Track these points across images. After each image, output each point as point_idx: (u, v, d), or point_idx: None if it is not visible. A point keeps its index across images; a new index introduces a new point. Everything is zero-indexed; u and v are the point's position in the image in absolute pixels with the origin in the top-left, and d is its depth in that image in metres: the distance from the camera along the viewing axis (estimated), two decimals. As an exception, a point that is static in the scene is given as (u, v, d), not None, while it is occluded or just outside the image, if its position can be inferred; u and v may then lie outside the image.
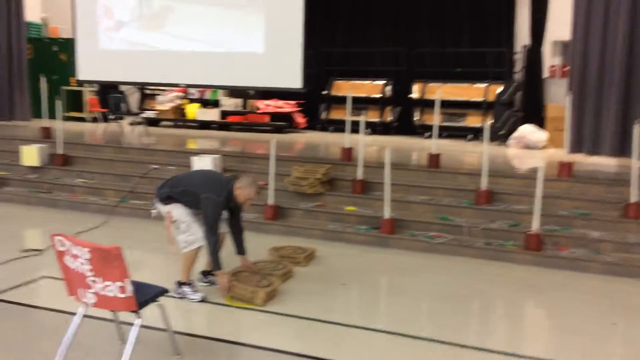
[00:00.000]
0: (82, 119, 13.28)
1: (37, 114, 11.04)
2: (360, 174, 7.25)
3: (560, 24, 9.63)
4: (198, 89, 12.99)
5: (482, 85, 11.78)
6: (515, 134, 10.39)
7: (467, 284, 5.43)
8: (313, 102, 13.08)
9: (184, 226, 4.73)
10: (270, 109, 12.31)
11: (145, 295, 3.55)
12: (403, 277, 5.58)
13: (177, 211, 4.73)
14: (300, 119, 12.60)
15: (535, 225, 6.03)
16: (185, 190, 4.73)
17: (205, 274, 5.12)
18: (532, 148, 10.16)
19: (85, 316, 3.64)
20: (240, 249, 5.02)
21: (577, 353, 4.09)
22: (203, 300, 4.77)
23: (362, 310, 4.85)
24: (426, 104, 11.81)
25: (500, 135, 10.85)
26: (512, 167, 8.37)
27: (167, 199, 4.77)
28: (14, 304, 4.60)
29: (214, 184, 4.71)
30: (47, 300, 4.75)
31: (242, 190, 4.69)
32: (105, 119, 11.67)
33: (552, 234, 6.20)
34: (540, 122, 10.69)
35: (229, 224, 4.94)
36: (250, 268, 5.09)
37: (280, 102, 12.44)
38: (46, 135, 9.48)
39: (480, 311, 4.93)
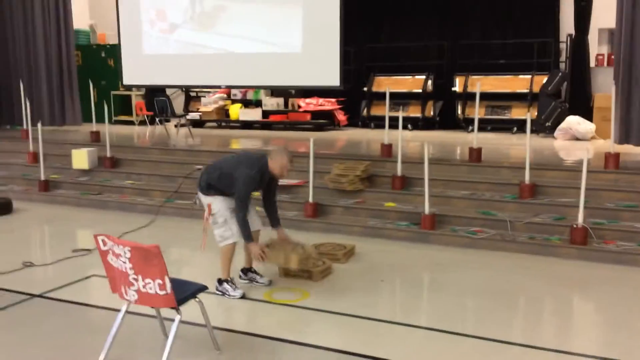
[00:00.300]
0: (130, 122, 13.67)
1: (88, 119, 11.42)
2: (399, 170, 7.24)
3: (606, 10, 9.37)
4: (240, 90, 13.17)
5: (527, 77, 11.56)
6: (562, 126, 10.16)
7: (510, 279, 5.36)
8: (354, 99, 13.10)
9: (222, 220, 4.82)
10: (312, 107, 12.38)
11: (185, 292, 3.65)
12: (444, 273, 5.54)
13: (217, 205, 4.83)
14: (341, 117, 12.63)
15: (581, 218, 5.89)
16: (221, 173, 4.81)
17: (245, 271, 5.22)
18: (580, 139, 9.91)
19: (130, 313, 3.78)
20: (275, 222, 5.07)
21: (624, 349, 3.98)
22: (243, 297, 4.86)
23: (401, 306, 4.86)
24: (469, 97, 11.66)
25: (547, 127, 10.63)
26: (558, 159, 8.19)
27: (207, 188, 4.87)
28: (65, 301, 4.80)
29: (247, 161, 4.81)
30: (95, 297, 4.95)
31: (275, 161, 4.76)
32: (152, 122, 11.98)
33: (598, 227, 6.03)
34: (587, 113, 10.41)
35: (263, 199, 5.03)
36: (286, 239, 5.09)
37: (321, 100, 12.49)
38: (96, 139, 9.81)
39: (523, 307, 4.85)
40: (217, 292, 4.89)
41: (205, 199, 4.91)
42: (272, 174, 4.81)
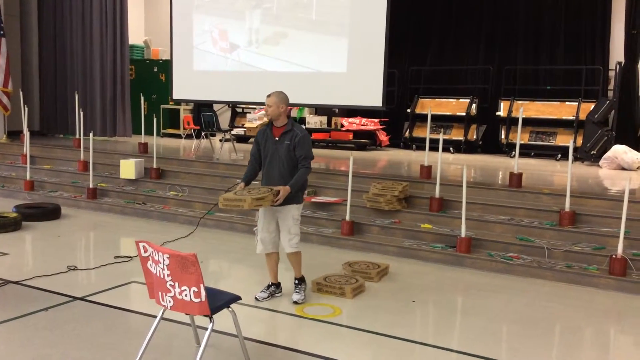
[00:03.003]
0: (178, 136, 14.05)
1: (138, 131, 11.80)
2: (437, 192, 7.25)
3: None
4: (285, 107, 13.37)
5: (574, 104, 11.43)
6: (608, 154, 9.98)
7: (546, 307, 5.29)
8: (397, 120, 13.18)
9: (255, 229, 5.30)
10: (354, 127, 12.49)
11: (219, 301, 3.75)
12: (478, 298, 5.51)
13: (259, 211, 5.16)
14: (383, 137, 12.69)
15: (620, 249, 5.79)
16: None
17: (296, 281, 5.28)
18: (626, 169, 9.71)
19: (166, 319, 3.91)
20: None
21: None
22: (256, 299, 5.17)
23: (430, 328, 4.86)
24: (513, 122, 11.59)
25: (592, 155, 10.46)
26: (601, 188, 8.05)
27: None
28: (105, 305, 4.98)
29: None
30: (133, 303, 5.11)
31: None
32: (198, 136, 12.30)
33: (638, 258, 5.91)
34: (635, 142, 10.21)
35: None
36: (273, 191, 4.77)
37: (364, 120, 12.59)
38: (144, 150, 10.14)
39: (558, 336, 4.78)
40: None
41: None
42: (272, 126, 5.10)
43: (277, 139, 5.02)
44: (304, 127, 12.80)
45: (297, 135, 4.99)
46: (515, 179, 7.41)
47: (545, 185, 7.76)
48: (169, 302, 3.65)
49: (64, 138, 12.80)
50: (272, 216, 5.05)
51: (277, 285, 5.31)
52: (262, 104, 12.33)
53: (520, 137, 7.69)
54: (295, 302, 5.11)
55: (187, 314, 3.89)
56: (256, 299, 5.16)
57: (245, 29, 11.20)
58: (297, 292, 5.21)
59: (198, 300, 3.53)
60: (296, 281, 5.26)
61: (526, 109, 11.21)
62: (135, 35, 14.86)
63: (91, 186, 9.15)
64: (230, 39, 11.33)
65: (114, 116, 12.46)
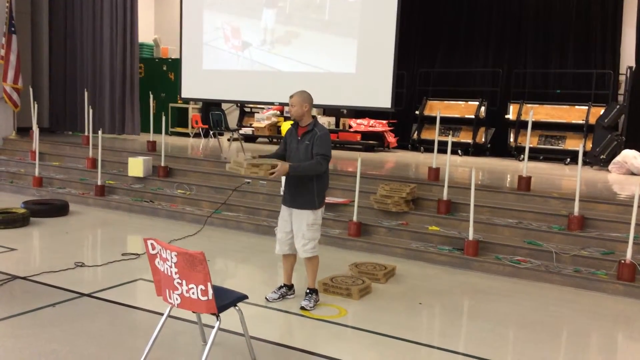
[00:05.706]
0: (186, 134, 14.08)
1: (146, 129, 11.84)
2: (445, 194, 7.23)
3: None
4: (293, 107, 13.38)
5: (584, 108, 11.37)
6: (617, 159, 9.93)
7: (553, 311, 5.26)
8: (405, 122, 13.16)
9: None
10: (362, 128, 12.47)
11: (226, 299, 3.76)
12: (484, 301, 5.48)
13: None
14: (391, 138, 12.67)
15: (629, 254, 5.75)
16: None
17: (307, 291, 5.16)
18: (635, 174, 9.65)
19: (172, 317, 3.91)
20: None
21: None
22: (266, 299, 5.12)
23: (436, 330, 4.84)
24: (522, 126, 11.55)
25: (601, 159, 10.40)
26: (610, 192, 7.99)
27: None
28: (111, 302, 4.99)
29: None
30: (140, 300, 5.12)
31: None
32: (206, 135, 12.33)
33: (648, 264, 5.88)
34: (645, 147, 10.14)
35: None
36: (273, 164, 4.73)
37: (372, 121, 12.57)
38: (152, 148, 10.16)
39: (565, 341, 4.76)
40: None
41: None
42: (297, 124, 5.02)
43: (299, 138, 4.96)
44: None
45: (316, 134, 4.87)
46: (524, 183, 7.37)
47: (554, 189, 7.72)
48: (176, 299, 3.65)
49: (72, 135, 12.85)
50: (288, 218, 5.00)
51: (290, 287, 5.24)
52: (271, 103, 12.49)
53: (529, 140, 7.65)
54: (303, 308, 4.98)
55: (194, 312, 3.89)
56: (266, 299, 5.13)
57: (257, 27, 11.20)
58: (306, 299, 5.04)
59: (205, 298, 3.53)
60: (308, 290, 5.10)
61: (535, 112, 11.17)
62: (145, 33, 14.90)
63: (99, 183, 9.18)
64: (243, 37, 11.34)
65: (123, 114, 12.49)
